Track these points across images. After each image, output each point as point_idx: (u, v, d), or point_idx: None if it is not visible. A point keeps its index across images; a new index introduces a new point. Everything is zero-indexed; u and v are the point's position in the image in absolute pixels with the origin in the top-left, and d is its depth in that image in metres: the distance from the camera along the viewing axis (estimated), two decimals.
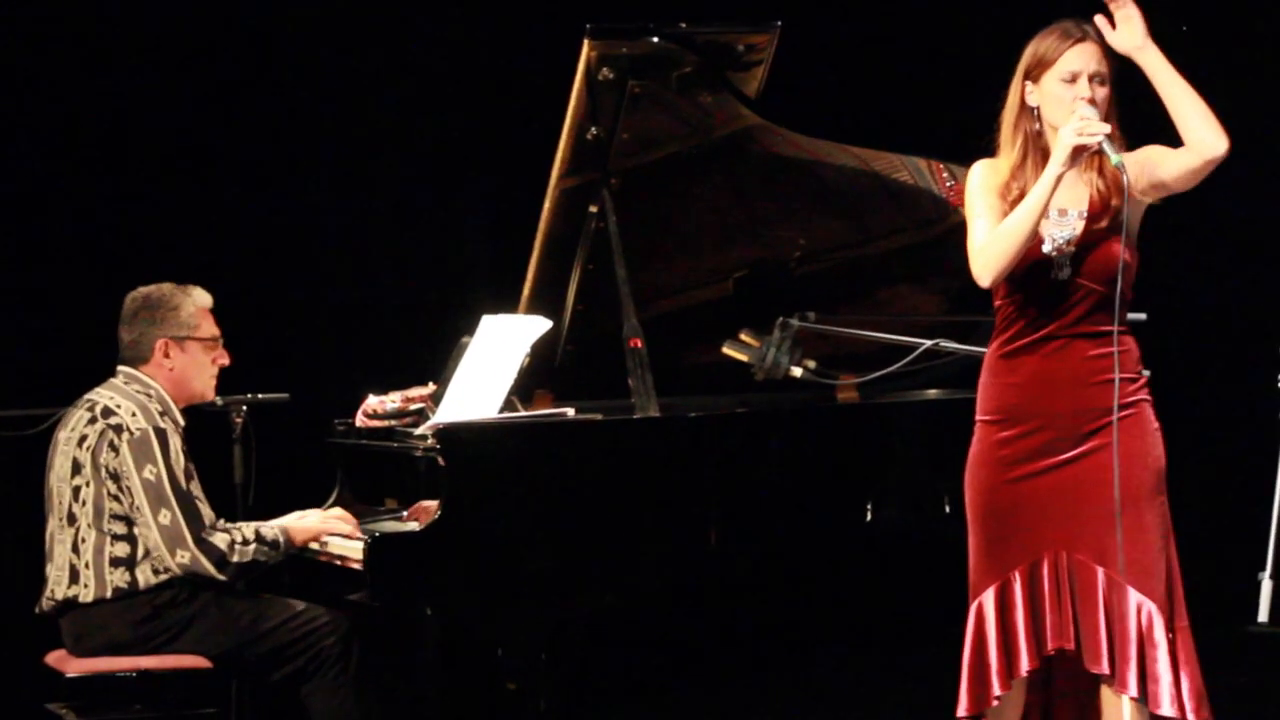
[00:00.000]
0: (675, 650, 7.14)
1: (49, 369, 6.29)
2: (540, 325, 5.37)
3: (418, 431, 5.30)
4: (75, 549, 5.11)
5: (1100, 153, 4.30)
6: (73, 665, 5.11)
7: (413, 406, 5.51)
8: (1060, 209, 4.37)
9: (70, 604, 5.10)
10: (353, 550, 5.11)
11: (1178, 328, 7.66)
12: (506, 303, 5.67)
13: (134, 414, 5.12)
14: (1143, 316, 5.99)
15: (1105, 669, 4.34)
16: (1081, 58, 4.36)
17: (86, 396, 5.23)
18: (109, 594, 5.06)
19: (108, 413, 5.13)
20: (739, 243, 5.90)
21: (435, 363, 5.63)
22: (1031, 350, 4.42)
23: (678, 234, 5.83)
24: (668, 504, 5.14)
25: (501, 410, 5.20)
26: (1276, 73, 7.67)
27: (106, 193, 6.78)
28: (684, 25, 5.38)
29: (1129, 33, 4.32)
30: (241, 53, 6.96)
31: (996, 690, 4.40)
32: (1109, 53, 4.36)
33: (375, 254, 7.22)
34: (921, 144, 5.76)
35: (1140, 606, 4.33)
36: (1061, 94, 4.36)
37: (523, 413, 5.29)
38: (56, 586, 5.14)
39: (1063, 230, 4.37)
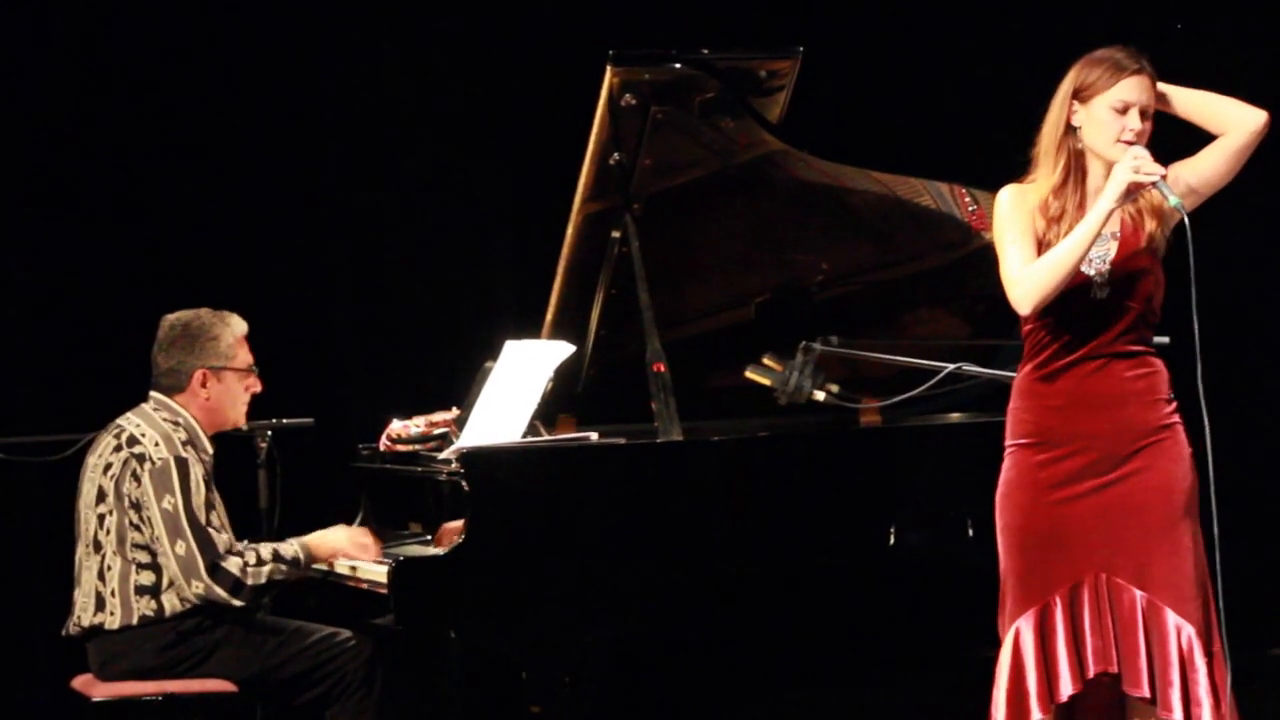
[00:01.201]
0: (699, 674, 7.14)
1: (82, 392, 6.32)
2: (563, 350, 5.38)
3: (441, 456, 5.31)
4: (101, 576, 5.12)
5: (1154, 189, 4.33)
6: (99, 689, 5.13)
7: (436, 431, 5.52)
8: (1109, 230, 4.40)
9: (96, 630, 5.12)
10: (377, 574, 5.12)
11: (1217, 338, 7.66)
12: (530, 328, 5.68)
13: (157, 443, 5.12)
14: (1165, 340, 6.00)
15: (1145, 692, 4.34)
16: (1135, 90, 4.38)
17: (116, 422, 5.24)
18: (135, 621, 5.07)
19: (133, 441, 5.14)
20: (761, 267, 5.91)
21: (459, 387, 5.64)
22: (1069, 371, 4.42)
23: (700, 259, 5.84)
24: (691, 528, 5.14)
25: (525, 435, 5.21)
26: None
27: (137, 217, 6.82)
28: (706, 52, 5.39)
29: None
30: (271, 81, 6.99)
31: (1037, 716, 4.39)
32: (1157, 80, 4.41)
33: (399, 280, 7.24)
34: (944, 168, 5.77)
35: (1180, 629, 4.34)
36: (1109, 121, 4.37)
37: (546, 437, 5.30)
38: (83, 613, 5.15)
39: (1098, 250, 4.38)
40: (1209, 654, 4.36)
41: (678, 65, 5.34)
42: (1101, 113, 4.39)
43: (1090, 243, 4.31)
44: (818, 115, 5.75)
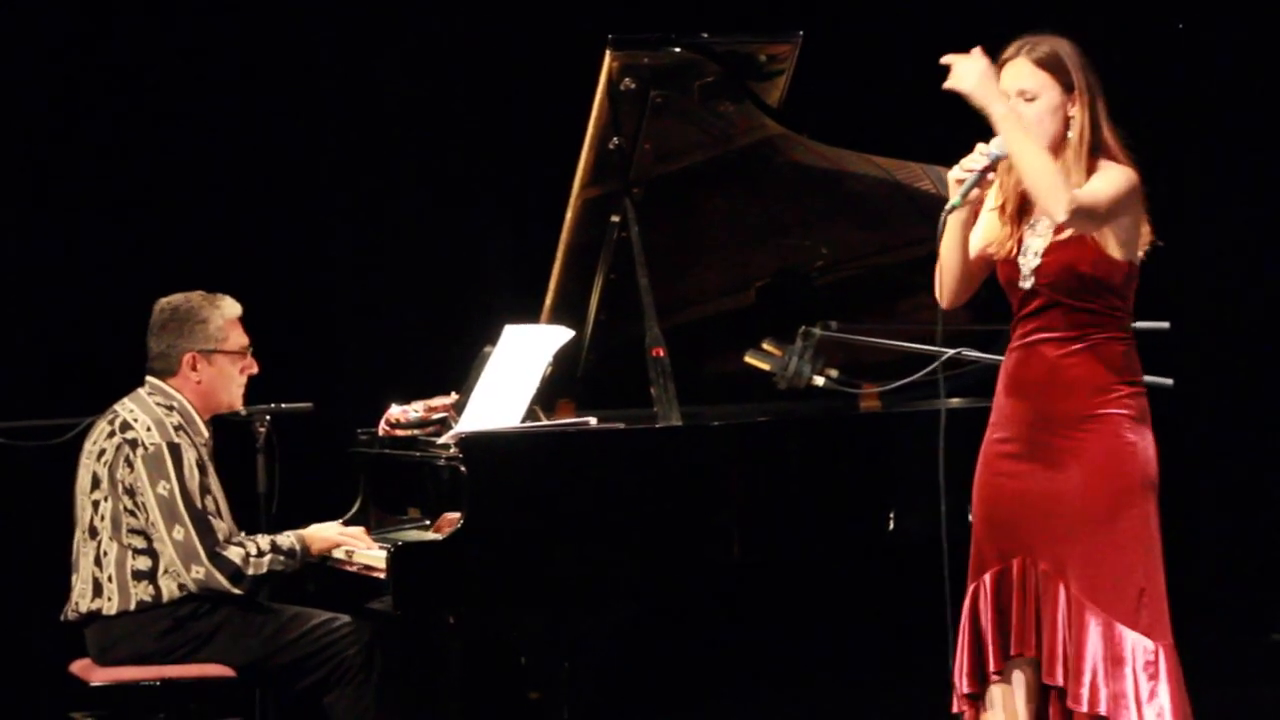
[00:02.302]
0: (699, 660, 7.14)
1: (80, 377, 6.32)
2: (563, 335, 5.38)
3: (440, 441, 5.31)
4: (98, 562, 5.12)
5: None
6: (97, 674, 5.13)
7: (435, 416, 5.52)
8: (1038, 221, 4.41)
9: (94, 616, 5.12)
10: (376, 559, 5.12)
11: (1208, 333, 7.67)
12: (529, 312, 5.67)
13: (149, 429, 5.12)
14: (1165, 325, 5.99)
15: (1059, 681, 4.37)
16: (1009, 77, 4.39)
17: (112, 407, 5.24)
18: (133, 606, 5.08)
19: (125, 427, 5.14)
20: (761, 252, 5.90)
21: (458, 372, 5.64)
22: (1010, 356, 4.49)
23: (700, 243, 5.83)
24: (690, 513, 5.13)
25: (524, 419, 5.21)
26: None
27: (136, 201, 6.81)
28: (706, 35, 5.38)
29: (958, 76, 4.31)
30: (265, 65, 6.98)
31: (964, 689, 4.47)
32: (1052, 65, 4.37)
33: (398, 264, 7.23)
34: (943, 153, 5.76)
35: (1105, 625, 4.33)
36: None
37: (545, 422, 5.30)
38: (81, 599, 5.15)
39: (1035, 240, 4.41)
40: (1150, 650, 4.33)
41: (677, 49, 5.33)
42: None
43: (950, 240, 4.40)
44: (818, 99, 5.74)
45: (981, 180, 4.37)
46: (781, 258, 5.92)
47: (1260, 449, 7.84)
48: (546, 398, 5.45)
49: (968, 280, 4.51)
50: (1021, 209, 4.46)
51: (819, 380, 5.64)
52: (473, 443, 5.01)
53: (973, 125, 4.43)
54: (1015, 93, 4.37)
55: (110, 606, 5.09)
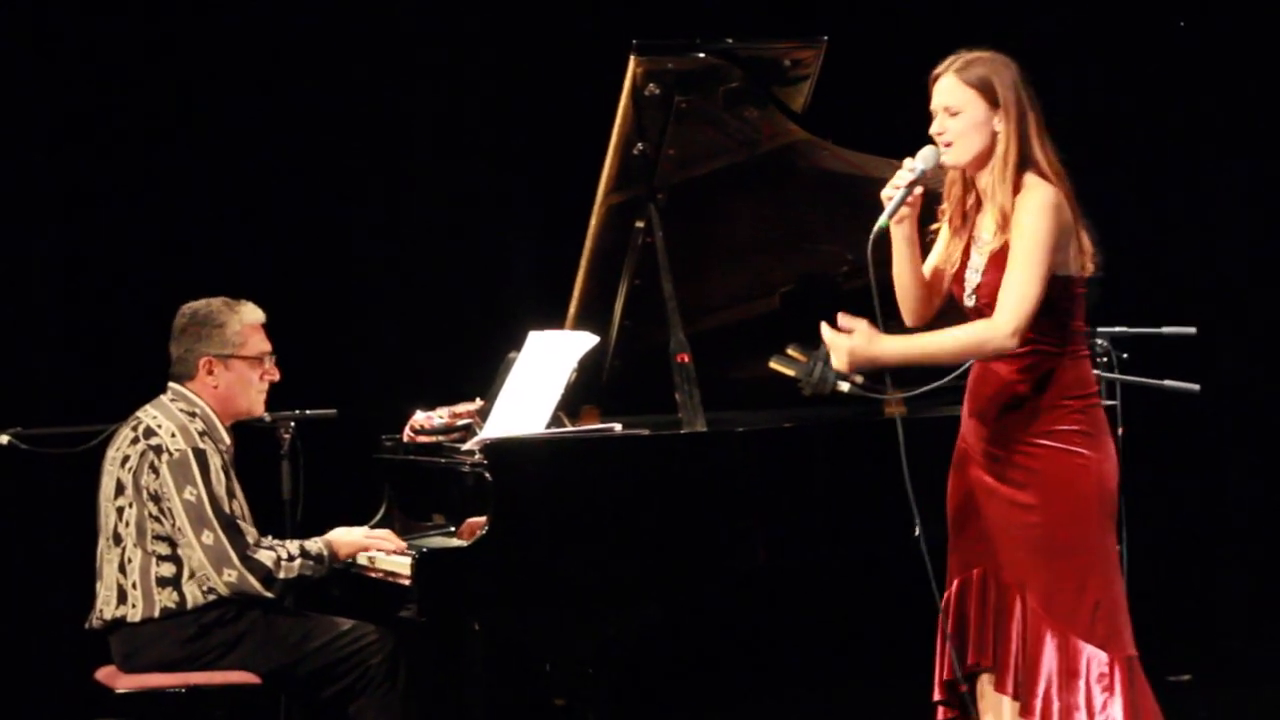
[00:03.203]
0: (724, 666, 7.13)
1: (105, 384, 6.33)
2: (587, 341, 5.37)
3: (465, 447, 5.30)
4: (122, 569, 5.12)
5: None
6: (122, 681, 5.13)
7: (460, 422, 5.52)
8: (982, 237, 4.46)
9: (119, 623, 5.12)
10: (401, 566, 5.12)
11: (1230, 340, 7.64)
12: (553, 319, 5.67)
13: (173, 434, 5.12)
14: (1192, 330, 5.98)
15: (1009, 692, 4.42)
16: (935, 94, 4.46)
17: (135, 414, 5.24)
18: (157, 613, 5.08)
19: (149, 433, 5.15)
20: (785, 257, 5.89)
21: (482, 378, 5.63)
22: (971, 373, 4.57)
23: (724, 249, 5.82)
24: (715, 519, 5.13)
25: (548, 426, 5.20)
26: None
27: (162, 208, 6.82)
28: (730, 41, 5.37)
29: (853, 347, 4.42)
30: (291, 72, 6.99)
31: (936, 695, 4.56)
32: (978, 82, 4.40)
33: (423, 270, 7.23)
34: None
35: (1061, 638, 4.37)
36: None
37: (569, 428, 5.29)
38: (105, 606, 5.15)
39: (977, 257, 4.46)
40: (1104, 661, 4.36)
41: (701, 55, 5.32)
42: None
43: (899, 261, 4.47)
44: (842, 104, 5.73)
45: (908, 197, 4.41)
46: (806, 263, 5.90)
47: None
48: (571, 404, 5.44)
49: (926, 299, 4.57)
50: (968, 222, 4.50)
51: (844, 386, 5.61)
52: (497, 449, 5.00)
53: None
54: (941, 108, 4.43)
55: (135, 613, 5.09)
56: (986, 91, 4.40)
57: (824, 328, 4.41)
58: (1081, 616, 4.37)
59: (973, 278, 4.46)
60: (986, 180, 4.42)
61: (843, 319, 4.40)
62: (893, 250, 4.49)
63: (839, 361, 4.44)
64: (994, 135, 4.41)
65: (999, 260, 4.38)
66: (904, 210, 4.42)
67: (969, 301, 4.47)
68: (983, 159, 4.42)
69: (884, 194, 4.43)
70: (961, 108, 4.41)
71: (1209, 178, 7.85)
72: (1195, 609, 7.74)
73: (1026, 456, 4.42)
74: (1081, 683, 4.35)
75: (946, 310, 4.66)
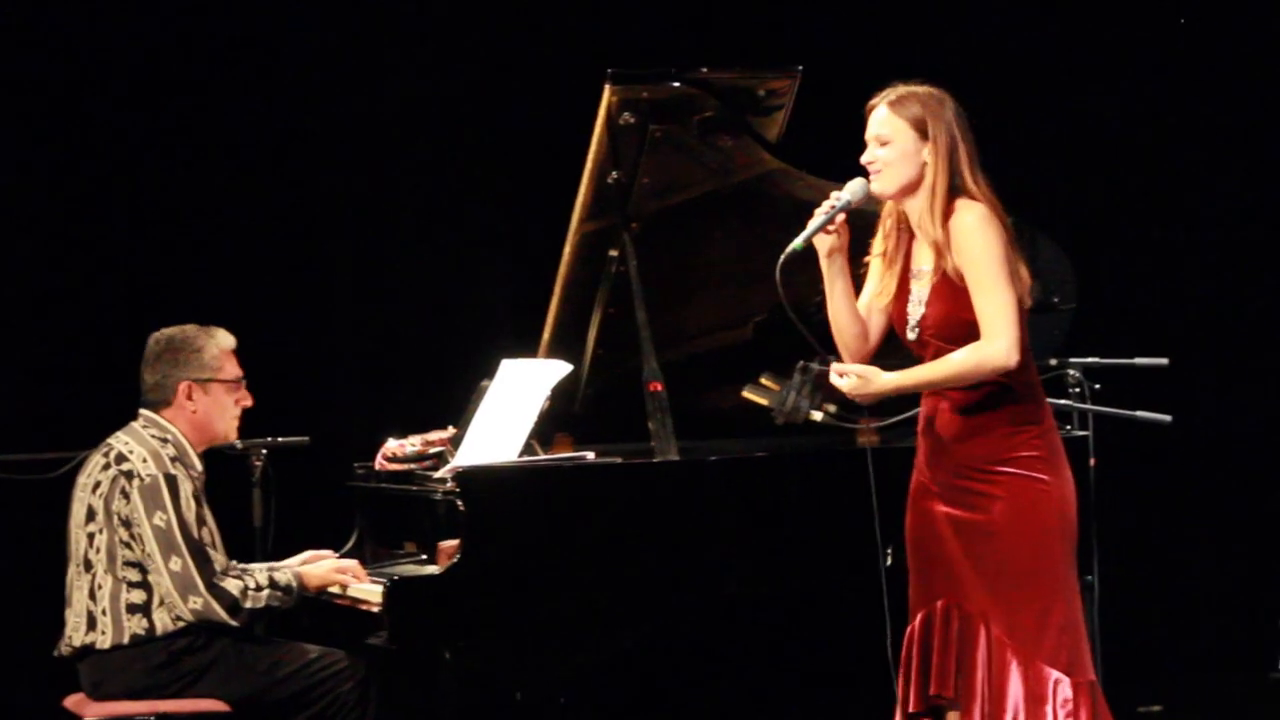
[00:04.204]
0: (695, 695, 7.12)
1: (74, 411, 6.31)
2: (560, 369, 5.37)
3: (437, 475, 5.29)
4: (92, 595, 5.10)
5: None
6: (91, 709, 5.10)
7: (432, 450, 5.51)
8: (920, 269, 4.49)
9: (88, 650, 5.09)
10: (372, 593, 5.10)
11: (1201, 371, 7.66)
12: (526, 346, 5.66)
13: (145, 460, 5.11)
14: (1164, 361, 5.99)
15: None
16: (869, 125, 4.53)
17: (107, 441, 5.23)
18: (126, 640, 5.05)
19: (120, 459, 5.13)
20: (759, 286, 5.88)
21: (455, 406, 5.63)
22: (923, 404, 4.58)
23: (698, 278, 5.82)
24: (687, 548, 5.12)
25: (521, 454, 5.20)
26: None
27: (132, 234, 6.81)
28: (705, 70, 5.38)
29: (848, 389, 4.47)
30: (269, 99, 6.99)
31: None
32: (907, 113, 4.47)
33: (396, 298, 7.23)
34: None
35: (1026, 665, 4.38)
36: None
37: (542, 456, 5.29)
38: (74, 633, 5.13)
39: (919, 288, 4.50)
40: (1070, 689, 4.37)
41: (676, 84, 5.33)
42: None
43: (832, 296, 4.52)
44: (817, 134, 5.73)
45: (827, 225, 4.45)
46: (779, 293, 5.90)
47: (1258, 485, 7.83)
48: (544, 432, 5.44)
49: (863, 335, 4.61)
50: (901, 255, 4.51)
51: (817, 415, 5.62)
52: (470, 477, 5.00)
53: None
54: (873, 137, 4.50)
55: (104, 640, 5.07)
56: (917, 123, 4.47)
57: (833, 368, 4.46)
58: (1046, 642, 4.39)
59: (916, 310, 4.49)
60: (916, 211, 4.45)
61: (835, 369, 4.48)
62: (825, 288, 4.54)
63: (849, 388, 4.49)
64: (923, 166, 4.46)
65: (942, 291, 4.43)
66: (830, 241, 4.46)
67: (911, 335, 4.50)
68: (910, 188, 4.47)
69: (819, 212, 4.48)
70: (892, 138, 4.47)
71: (1181, 209, 7.87)
72: (1166, 639, 7.74)
73: (989, 484, 4.43)
74: (1049, 708, 4.37)
75: (888, 352, 4.69)
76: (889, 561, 5.29)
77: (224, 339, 5.31)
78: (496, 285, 7.27)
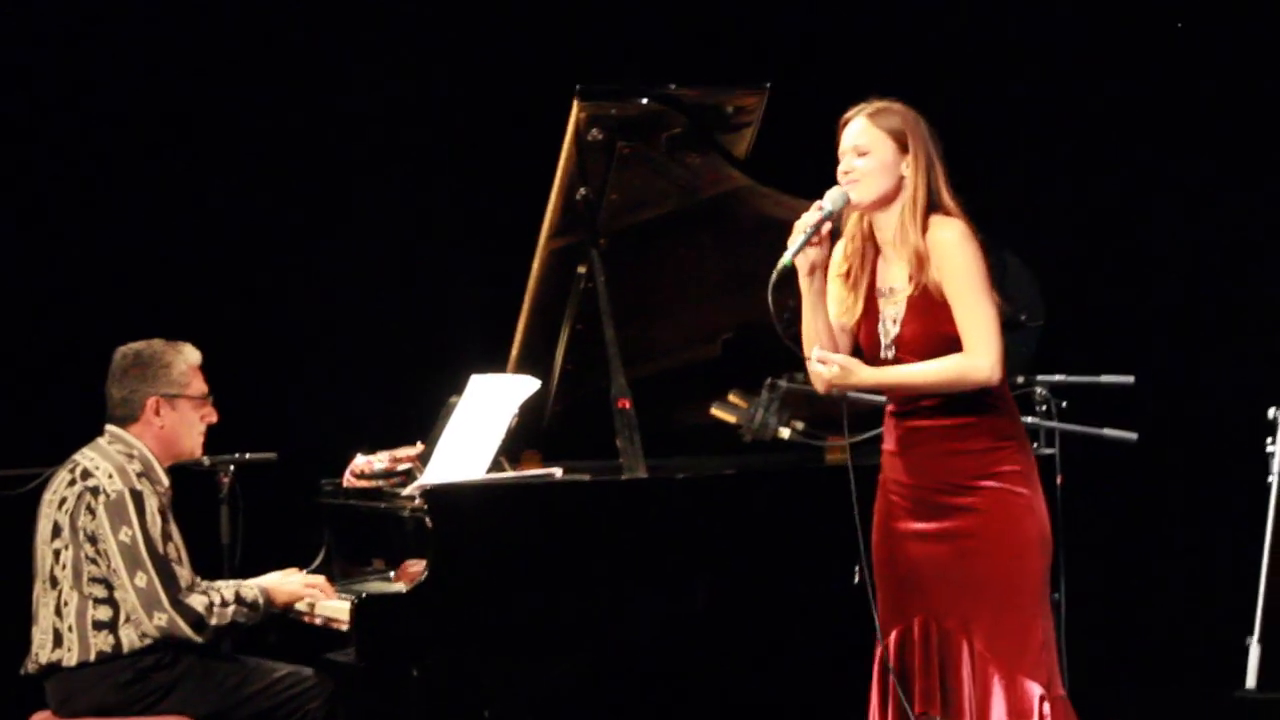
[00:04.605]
0: (664, 712, 7.10)
1: (40, 428, 6.28)
2: (529, 385, 5.37)
3: (405, 491, 5.28)
4: (58, 612, 5.08)
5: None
6: None
7: (401, 466, 5.50)
8: (890, 288, 4.48)
9: (54, 668, 5.07)
10: (340, 610, 5.09)
11: (1167, 389, 7.67)
12: (495, 362, 5.66)
13: (111, 475, 5.09)
14: (1130, 379, 6.00)
15: None
16: (846, 134, 4.52)
17: (73, 457, 5.21)
18: (92, 657, 5.03)
19: (86, 475, 5.11)
20: (727, 303, 5.89)
21: (423, 422, 5.62)
22: (893, 420, 4.56)
23: (666, 295, 5.82)
24: (655, 566, 5.12)
25: (489, 470, 5.19)
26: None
27: (97, 248, 6.79)
28: (673, 87, 5.39)
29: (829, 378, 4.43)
30: (236, 112, 6.98)
31: None
32: (887, 125, 4.48)
33: (364, 313, 7.22)
34: None
35: (1009, 679, 4.38)
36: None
37: (510, 473, 5.28)
38: (41, 650, 5.11)
39: (891, 308, 4.48)
40: (1046, 703, 4.38)
41: (644, 100, 5.34)
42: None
43: (809, 312, 4.48)
44: (786, 150, 5.75)
45: (814, 237, 4.42)
46: (748, 309, 5.91)
47: (1223, 502, 7.84)
48: (512, 449, 5.44)
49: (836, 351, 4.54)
50: (866, 273, 4.50)
51: (785, 433, 5.64)
52: (438, 494, 4.99)
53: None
54: (850, 148, 4.48)
55: (70, 657, 5.04)
56: (896, 135, 4.47)
57: (815, 355, 4.42)
58: (1029, 655, 4.39)
59: (890, 329, 4.47)
60: (892, 226, 4.45)
61: (818, 355, 4.42)
62: (805, 306, 4.50)
63: (818, 387, 4.45)
64: (900, 179, 4.45)
65: (920, 306, 4.42)
66: (813, 254, 4.44)
67: (887, 354, 4.47)
68: (887, 199, 4.46)
69: (792, 235, 4.44)
70: (870, 148, 4.47)
71: (1147, 226, 7.90)
72: (1132, 657, 7.75)
73: (971, 496, 4.42)
74: None
75: None
76: (856, 579, 5.31)
77: (191, 354, 5.29)
78: (465, 301, 7.27)
